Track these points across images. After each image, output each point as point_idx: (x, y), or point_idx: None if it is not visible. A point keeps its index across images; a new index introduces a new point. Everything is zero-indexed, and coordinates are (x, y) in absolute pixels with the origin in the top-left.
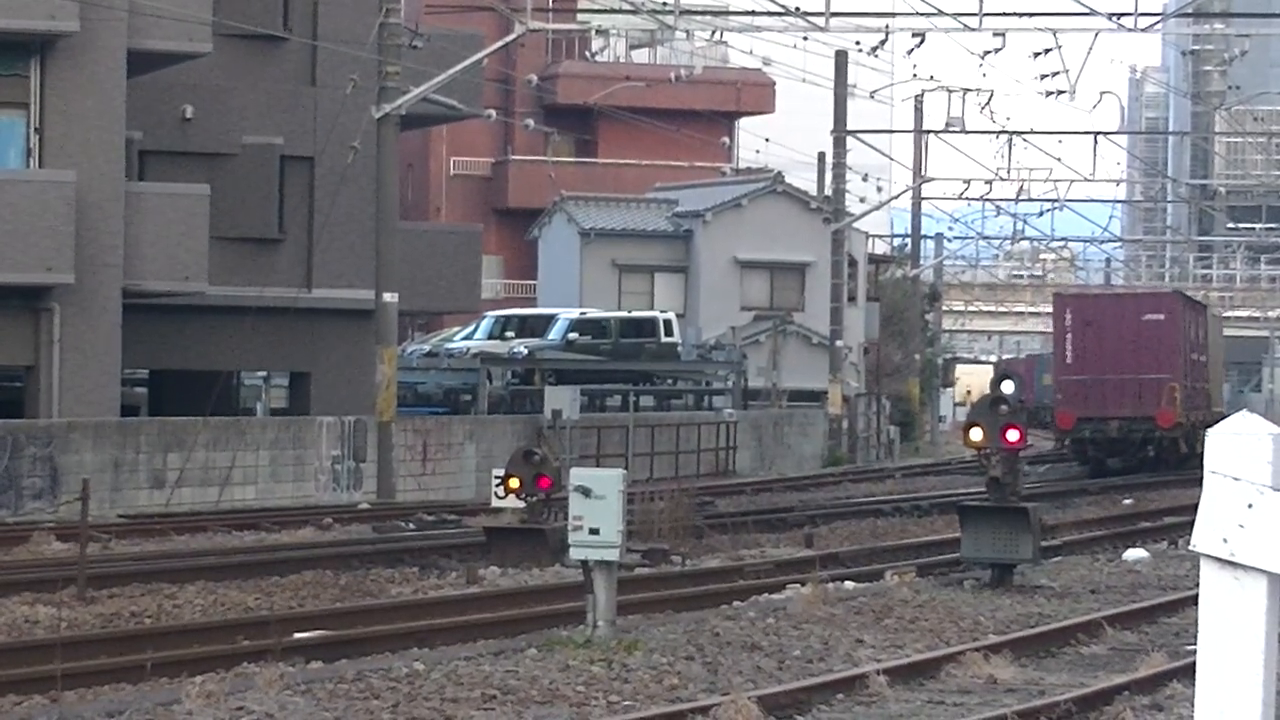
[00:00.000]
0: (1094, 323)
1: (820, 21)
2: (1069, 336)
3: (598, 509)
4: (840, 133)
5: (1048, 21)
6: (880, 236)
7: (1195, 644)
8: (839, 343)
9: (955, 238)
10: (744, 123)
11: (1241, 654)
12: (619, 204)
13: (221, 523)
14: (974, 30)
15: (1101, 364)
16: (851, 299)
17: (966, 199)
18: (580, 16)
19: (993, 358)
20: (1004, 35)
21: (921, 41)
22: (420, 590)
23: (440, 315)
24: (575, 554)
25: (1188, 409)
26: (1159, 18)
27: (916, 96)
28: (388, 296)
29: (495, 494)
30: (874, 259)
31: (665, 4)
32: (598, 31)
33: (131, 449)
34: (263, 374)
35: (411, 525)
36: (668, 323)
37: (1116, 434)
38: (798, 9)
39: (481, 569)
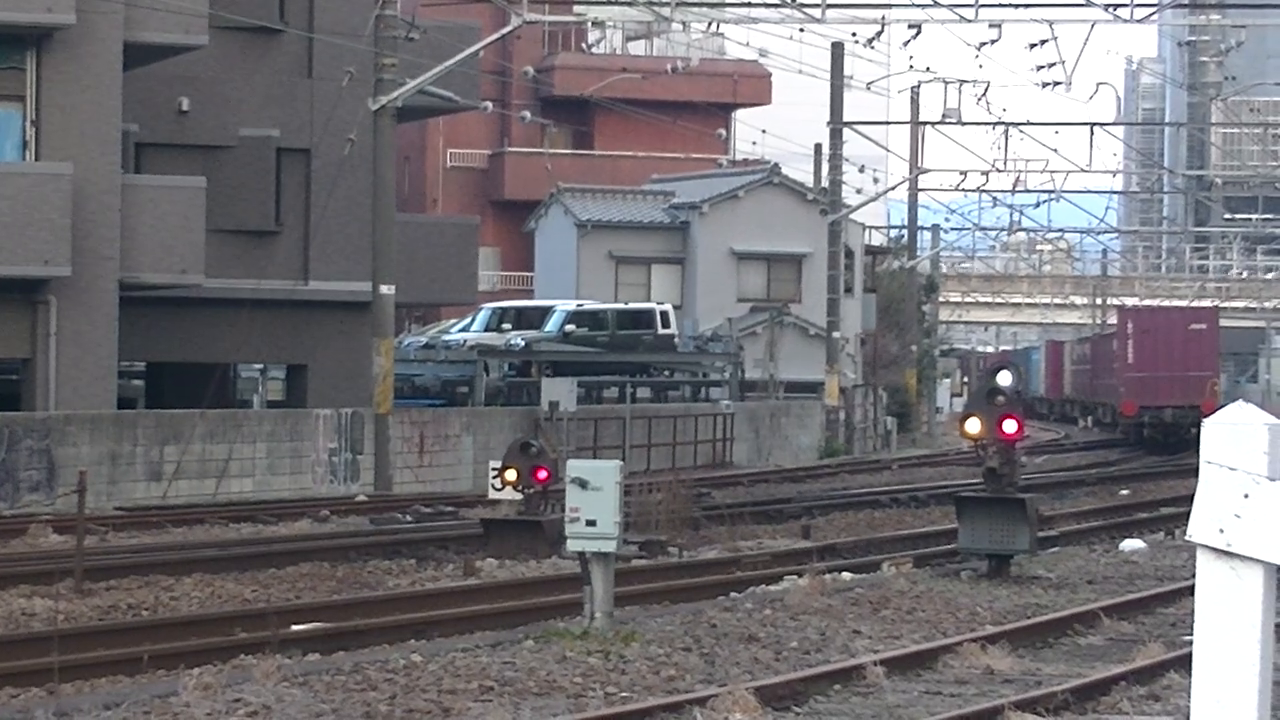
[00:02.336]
0: (1150, 331)
1: (817, 13)
2: (1130, 342)
3: (595, 500)
4: (837, 124)
5: (1044, 13)
6: (877, 228)
7: (1192, 634)
8: (836, 334)
9: (952, 229)
10: (740, 114)
11: (1238, 643)
12: (616, 196)
13: (218, 515)
14: (970, 22)
15: (1156, 363)
16: (848, 290)
17: (963, 190)
18: (577, 8)
19: (990, 348)
20: (1000, 26)
21: (918, 33)
22: (417, 582)
23: (437, 307)
24: (572, 545)
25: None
26: (1155, 9)
27: (913, 88)
28: (384, 288)
29: (492, 486)
30: (871, 250)
31: None
32: (594, 23)
33: (128, 441)
34: (259, 366)
35: (409, 517)
36: (664, 314)
37: (1169, 419)
38: (794, 0)
39: (479, 561)
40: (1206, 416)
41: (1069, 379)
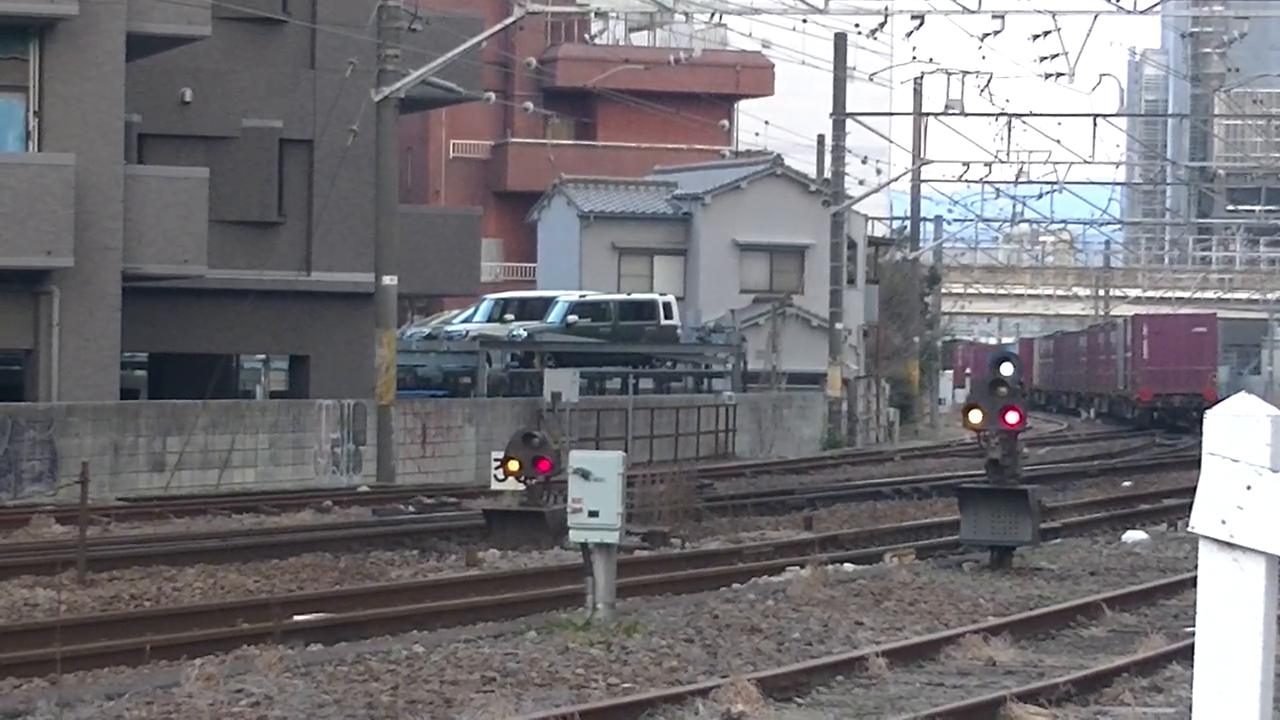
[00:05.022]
0: (1161, 332)
1: (820, 4)
2: (1145, 341)
3: (597, 491)
4: (839, 115)
5: (1047, 3)
6: (880, 219)
7: (1194, 626)
8: (838, 325)
9: (955, 220)
10: (743, 105)
11: (1240, 635)
12: (618, 187)
13: (221, 506)
14: (973, 12)
15: (1166, 359)
16: (851, 281)
17: (966, 181)
18: None
19: (992, 340)
20: (1003, 17)
21: (920, 24)
22: (420, 573)
23: (439, 298)
24: (575, 536)
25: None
26: (1158, 0)
27: (916, 79)
28: (387, 279)
29: (495, 477)
30: (873, 241)
31: None
32: (597, 14)
33: (131, 432)
34: (262, 357)
35: (411, 508)
36: (667, 305)
37: (1177, 405)
38: None
39: (481, 552)
40: (1207, 402)
41: (1036, 371)
